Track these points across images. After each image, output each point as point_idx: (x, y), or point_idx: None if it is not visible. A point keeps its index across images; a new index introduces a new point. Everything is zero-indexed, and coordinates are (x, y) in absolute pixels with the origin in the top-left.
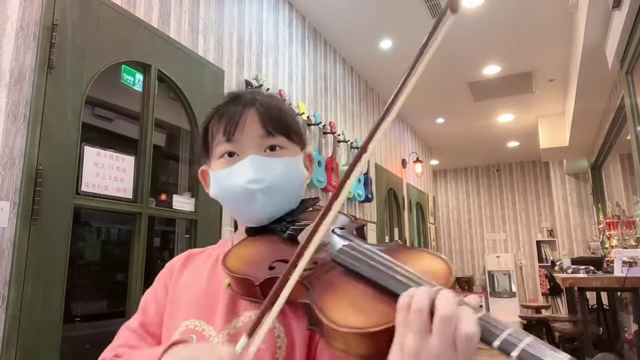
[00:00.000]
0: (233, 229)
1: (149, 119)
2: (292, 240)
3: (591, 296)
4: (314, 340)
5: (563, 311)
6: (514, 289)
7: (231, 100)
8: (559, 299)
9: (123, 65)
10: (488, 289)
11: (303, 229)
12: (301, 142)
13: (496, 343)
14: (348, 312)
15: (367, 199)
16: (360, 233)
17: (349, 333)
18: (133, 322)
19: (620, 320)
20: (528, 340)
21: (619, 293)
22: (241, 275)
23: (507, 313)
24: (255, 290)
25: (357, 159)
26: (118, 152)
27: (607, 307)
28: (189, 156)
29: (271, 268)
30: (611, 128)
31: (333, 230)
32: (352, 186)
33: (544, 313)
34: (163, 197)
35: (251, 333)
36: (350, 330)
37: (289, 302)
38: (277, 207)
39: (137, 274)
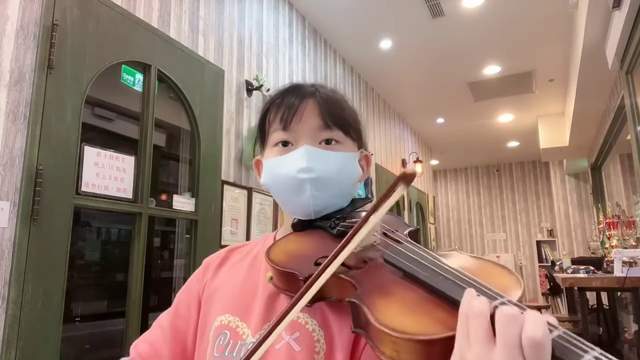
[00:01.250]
0: (235, 229)
1: (149, 119)
2: (342, 237)
3: (591, 296)
4: (358, 348)
5: (563, 311)
6: None
7: (291, 90)
8: (559, 299)
9: (123, 65)
10: None
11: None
12: (359, 140)
13: None
14: (402, 315)
15: (367, 199)
16: (414, 237)
17: (402, 339)
18: (166, 317)
19: (620, 320)
20: None
21: (619, 293)
22: (286, 268)
23: None
24: (299, 285)
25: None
26: (118, 152)
27: (607, 307)
28: (189, 156)
29: (317, 264)
30: (611, 128)
31: (385, 233)
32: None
33: (544, 313)
34: (163, 197)
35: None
36: (404, 335)
37: (333, 300)
38: (326, 201)
39: (137, 274)
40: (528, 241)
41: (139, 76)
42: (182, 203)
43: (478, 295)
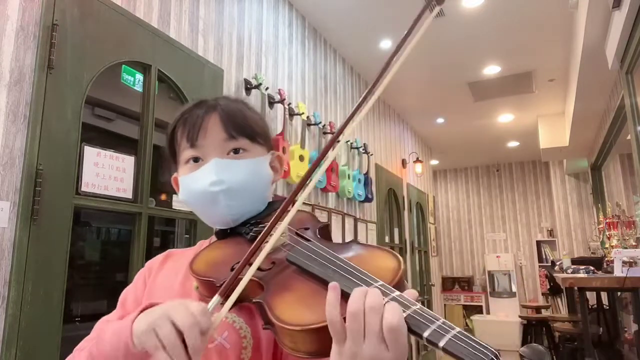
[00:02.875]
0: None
1: (149, 119)
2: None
3: (591, 296)
4: None
5: (563, 311)
6: (514, 289)
7: (195, 106)
8: (559, 299)
9: (123, 65)
10: (488, 289)
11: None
12: (267, 144)
13: (425, 334)
14: (295, 310)
15: (367, 199)
16: (324, 233)
17: (293, 330)
18: (112, 316)
19: (620, 320)
20: (455, 331)
21: (619, 293)
22: (204, 277)
23: (507, 313)
24: (217, 291)
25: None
26: (118, 152)
27: (607, 307)
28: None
29: (233, 269)
30: (611, 128)
31: (297, 232)
32: (353, 185)
33: (544, 313)
34: (163, 197)
35: (224, 294)
36: (294, 327)
37: (248, 302)
38: (241, 209)
39: None
40: (528, 241)
41: (139, 76)
42: (182, 203)
43: (359, 286)
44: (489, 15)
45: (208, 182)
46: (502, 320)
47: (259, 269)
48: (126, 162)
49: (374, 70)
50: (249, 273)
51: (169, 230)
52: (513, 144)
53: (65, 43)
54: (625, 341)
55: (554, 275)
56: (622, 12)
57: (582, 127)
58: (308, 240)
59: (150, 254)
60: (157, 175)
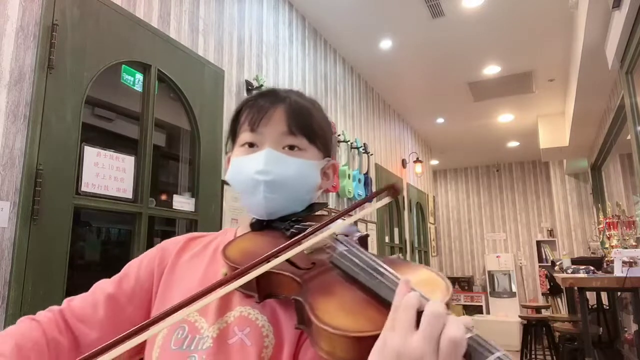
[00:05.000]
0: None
1: (149, 119)
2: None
3: (591, 296)
4: (301, 340)
5: (563, 311)
6: (514, 289)
7: (266, 94)
8: (559, 299)
9: (123, 65)
10: (488, 289)
11: (307, 229)
12: (325, 150)
13: None
14: (339, 314)
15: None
16: (363, 242)
17: (335, 334)
18: (108, 287)
19: (620, 320)
20: None
21: (619, 293)
22: (237, 264)
23: (507, 313)
24: (251, 281)
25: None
26: (118, 152)
27: (607, 307)
28: (189, 156)
29: (269, 260)
30: (611, 128)
31: (336, 237)
32: (353, 185)
33: (544, 313)
34: (163, 197)
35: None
36: (338, 332)
37: (282, 298)
38: (279, 204)
39: None
40: (528, 241)
41: (139, 76)
42: (182, 203)
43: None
44: (489, 15)
45: (255, 169)
46: (502, 320)
47: (296, 266)
48: (126, 162)
49: (374, 70)
50: (282, 258)
51: (169, 230)
52: (513, 144)
53: (65, 43)
54: (625, 341)
55: (554, 275)
56: (622, 12)
57: (582, 127)
58: (350, 246)
59: None
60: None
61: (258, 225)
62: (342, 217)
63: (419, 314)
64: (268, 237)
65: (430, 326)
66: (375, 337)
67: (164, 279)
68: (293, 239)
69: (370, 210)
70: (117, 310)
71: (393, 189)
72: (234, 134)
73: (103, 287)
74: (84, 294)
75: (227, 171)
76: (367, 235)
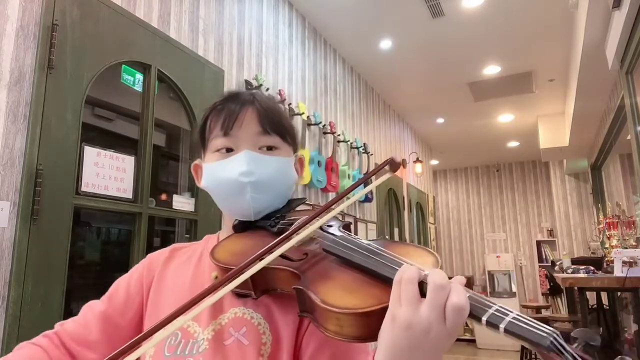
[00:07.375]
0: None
1: (149, 119)
2: (281, 234)
3: (591, 296)
4: (300, 332)
5: (563, 311)
6: (514, 289)
7: (230, 98)
8: (559, 299)
9: (123, 65)
10: (488, 289)
11: (292, 224)
12: (294, 145)
13: (484, 318)
14: (342, 294)
15: (367, 199)
16: (347, 229)
17: (342, 313)
18: (98, 306)
19: (620, 320)
20: (514, 315)
21: (619, 293)
22: (230, 265)
23: None
24: (246, 281)
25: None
26: (118, 152)
27: (607, 307)
28: (189, 156)
29: (262, 259)
30: (611, 128)
31: (321, 227)
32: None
33: (544, 313)
34: (163, 197)
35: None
36: (344, 310)
37: (278, 292)
38: (264, 203)
39: None
40: (528, 241)
41: (139, 76)
42: (182, 203)
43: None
44: (489, 15)
45: (238, 171)
46: None
47: (289, 259)
48: (126, 162)
49: (374, 70)
50: (275, 254)
51: (169, 230)
52: (513, 144)
53: (65, 43)
54: (626, 341)
55: (554, 275)
56: (622, 12)
57: (582, 127)
58: (334, 233)
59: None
60: (157, 175)
61: (240, 227)
62: (330, 209)
63: (419, 285)
64: (254, 236)
65: (437, 296)
66: (379, 311)
67: (153, 287)
68: (284, 234)
69: (370, 187)
70: (110, 327)
71: (393, 163)
72: (203, 141)
73: (93, 307)
74: (75, 317)
75: (200, 179)
76: (349, 223)
